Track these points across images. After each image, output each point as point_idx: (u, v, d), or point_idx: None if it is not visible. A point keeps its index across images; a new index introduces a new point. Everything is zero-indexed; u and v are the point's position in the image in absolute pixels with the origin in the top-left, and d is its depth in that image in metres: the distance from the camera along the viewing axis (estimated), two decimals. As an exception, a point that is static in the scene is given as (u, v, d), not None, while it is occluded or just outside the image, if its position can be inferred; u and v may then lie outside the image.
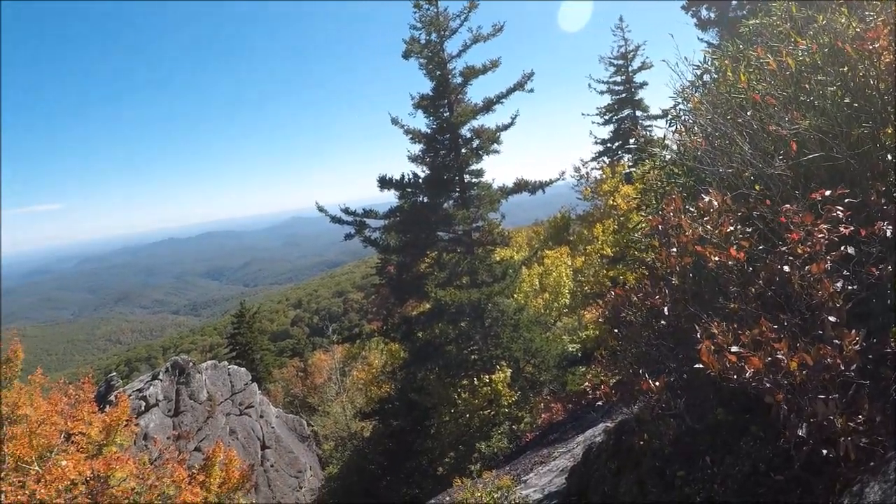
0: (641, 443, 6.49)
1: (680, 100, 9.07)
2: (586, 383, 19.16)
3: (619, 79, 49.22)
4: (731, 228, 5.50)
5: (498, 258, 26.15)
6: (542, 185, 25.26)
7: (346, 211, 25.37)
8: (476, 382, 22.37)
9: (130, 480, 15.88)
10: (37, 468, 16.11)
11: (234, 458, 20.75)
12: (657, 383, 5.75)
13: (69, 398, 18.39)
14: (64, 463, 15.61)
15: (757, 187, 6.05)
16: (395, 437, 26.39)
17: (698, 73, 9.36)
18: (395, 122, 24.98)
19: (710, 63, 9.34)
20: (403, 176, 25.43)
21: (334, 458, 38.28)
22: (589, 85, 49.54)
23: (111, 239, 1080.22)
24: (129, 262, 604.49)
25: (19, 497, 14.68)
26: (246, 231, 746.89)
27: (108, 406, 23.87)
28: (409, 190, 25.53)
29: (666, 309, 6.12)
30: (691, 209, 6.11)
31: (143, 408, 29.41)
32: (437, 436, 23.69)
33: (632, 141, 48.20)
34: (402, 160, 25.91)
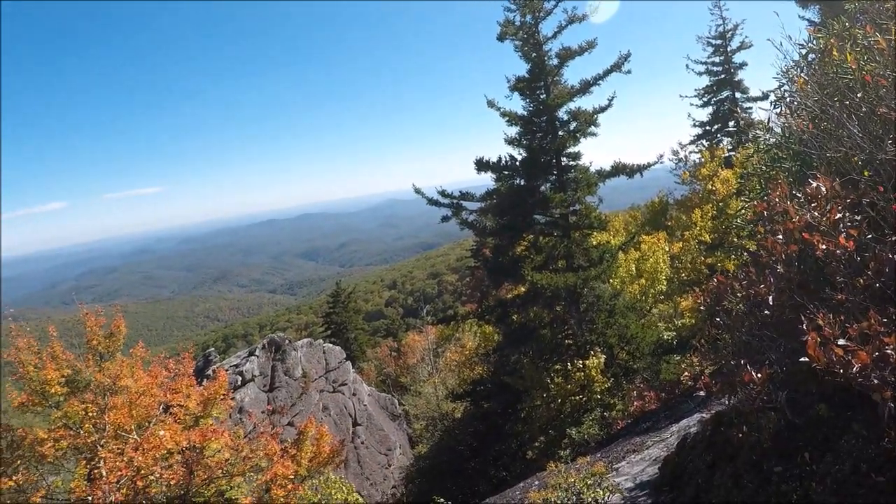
0: (739, 435, 6.30)
1: (784, 80, 8.74)
2: (685, 372, 18.82)
3: (717, 59, 47.55)
4: (840, 216, 5.28)
5: (595, 242, 25.79)
6: (639, 169, 24.80)
7: (443, 193, 25.41)
8: (569, 367, 22.18)
9: (224, 452, 16.29)
10: (135, 437, 16.70)
11: (326, 433, 21.08)
12: (759, 375, 5.58)
13: (169, 371, 18.97)
14: (162, 433, 16.12)
15: (866, 173, 5.79)
16: (485, 420, 26.43)
17: (802, 53, 8.98)
18: (491, 104, 24.83)
19: (814, 42, 8.96)
20: (500, 158, 25.32)
21: (424, 438, 38.62)
22: (686, 65, 48.17)
23: (210, 221, 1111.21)
24: (228, 243, 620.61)
25: (118, 463, 15.24)
26: (343, 212, 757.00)
27: (205, 380, 24.63)
28: (506, 172, 25.40)
29: (770, 298, 5.92)
30: (798, 195, 5.89)
31: (239, 382, 30.19)
32: (527, 420, 23.61)
33: (731, 123, 46.83)
34: (498, 143, 25.79)
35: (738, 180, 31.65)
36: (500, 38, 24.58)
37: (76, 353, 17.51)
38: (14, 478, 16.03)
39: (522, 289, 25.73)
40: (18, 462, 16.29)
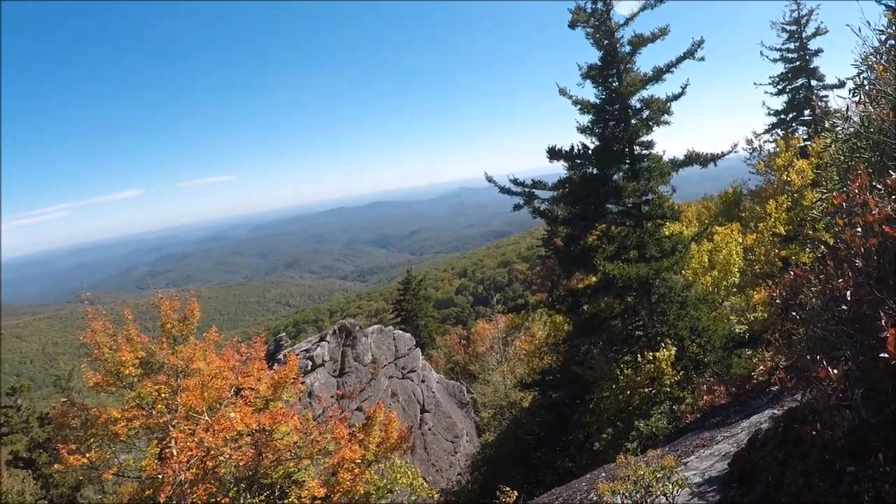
0: (813, 433, 6.12)
1: (863, 67, 8.42)
2: (761, 367, 18.41)
3: (792, 45, 45.91)
4: (924, 208, 5.07)
5: (667, 233, 25.38)
6: (713, 158, 24.30)
7: (515, 182, 25.32)
8: (639, 359, 21.92)
9: (293, 435, 16.52)
10: (206, 418, 17.03)
11: (394, 419, 21.18)
12: (835, 371, 5.40)
13: (241, 355, 19.31)
14: (232, 415, 16.42)
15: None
16: (553, 409, 26.34)
17: (882, 39, 8.63)
18: (562, 92, 24.60)
19: (894, 28, 8.61)
20: (573, 147, 25.10)
21: (491, 426, 38.66)
22: (760, 52, 46.71)
23: (283, 208, 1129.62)
24: (300, 230, 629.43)
25: (188, 443, 15.57)
26: (414, 200, 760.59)
27: (276, 364, 25.05)
28: (578, 161, 25.18)
29: (848, 293, 5.73)
30: (878, 186, 5.67)
31: (309, 367, 30.59)
32: (595, 411, 23.41)
33: (807, 112, 45.48)
34: (570, 131, 25.62)
35: (814, 171, 30.85)
36: (572, 25, 24.33)
37: (150, 335, 17.94)
38: (87, 455, 16.53)
39: (594, 279, 25.50)
40: (92, 440, 16.79)
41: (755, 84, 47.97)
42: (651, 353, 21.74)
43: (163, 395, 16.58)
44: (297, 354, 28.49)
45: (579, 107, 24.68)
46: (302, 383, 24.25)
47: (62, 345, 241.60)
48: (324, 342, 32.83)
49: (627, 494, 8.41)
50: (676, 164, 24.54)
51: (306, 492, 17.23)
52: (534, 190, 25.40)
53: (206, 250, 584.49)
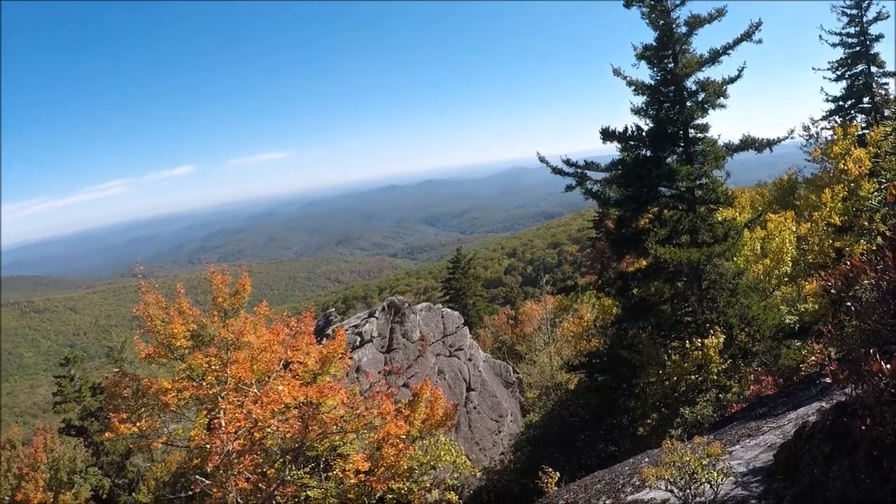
0: (862, 428, 6.00)
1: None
2: (813, 357, 18.12)
3: (852, 30, 44.35)
4: None
5: (720, 218, 25.02)
6: (769, 144, 23.83)
7: (568, 162, 25.13)
8: (687, 345, 21.71)
9: (340, 408, 16.70)
10: (255, 390, 17.30)
11: (440, 396, 21.30)
12: (888, 366, 5.29)
13: (290, 329, 19.53)
14: (280, 388, 16.64)
15: None
16: (599, 393, 26.23)
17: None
18: (616, 72, 24.30)
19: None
20: (626, 128, 24.83)
21: (536, 407, 38.66)
22: (819, 36, 45.37)
23: (335, 185, 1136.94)
24: (351, 207, 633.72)
25: (237, 415, 15.84)
26: (465, 179, 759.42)
27: (325, 339, 25.28)
28: (632, 143, 24.90)
29: (904, 286, 5.59)
30: (939, 177, 5.51)
31: (357, 342, 30.82)
32: (641, 396, 23.27)
33: (866, 100, 44.25)
34: (623, 113, 25.30)
35: (872, 160, 30.10)
36: (627, 4, 24.04)
37: (202, 309, 18.23)
38: (138, 424, 16.91)
39: (644, 262, 25.26)
40: (143, 409, 17.17)
41: (814, 69, 46.76)
42: (699, 340, 21.52)
43: (213, 367, 16.86)
44: (346, 330, 28.70)
45: (633, 88, 24.38)
46: (350, 358, 24.50)
47: (115, 317, 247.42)
48: (372, 318, 33.04)
49: (672, 480, 8.38)
50: (731, 149, 24.12)
51: (350, 465, 17.43)
52: (586, 171, 25.21)
53: (257, 226, 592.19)
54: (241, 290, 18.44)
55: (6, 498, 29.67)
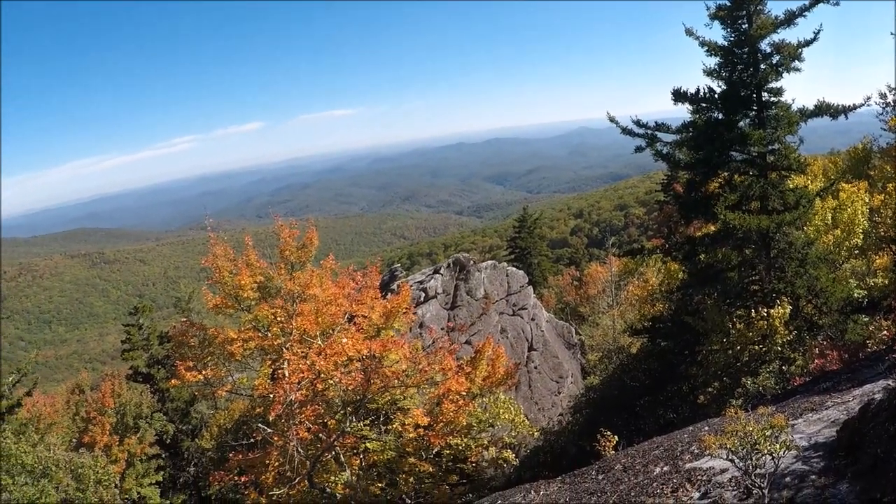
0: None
1: None
2: (884, 332, 17.70)
3: None
4: None
5: (791, 185, 24.38)
6: (844, 111, 23.03)
7: (638, 123, 24.74)
8: (753, 315, 21.36)
9: (402, 363, 16.93)
10: (319, 342, 17.64)
11: (502, 355, 21.43)
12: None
13: (356, 283, 19.81)
14: (344, 340, 16.94)
15: None
16: (660, 358, 26.04)
17: None
18: (689, 32, 23.70)
19: None
20: (698, 90, 24.28)
21: (597, 370, 38.57)
22: (898, -4, 43.50)
23: (402, 142, 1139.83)
24: (418, 164, 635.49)
25: (300, 366, 16.18)
26: (533, 138, 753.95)
27: (389, 294, 25.58)
28: (704, 105, 24.35)
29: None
30: None
31: (422, 298, 31.06)
32: (703, 363, 23.01)
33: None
34: (695, 75, 24.64)
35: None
36: (700, -38, 23.35)
37: (269, 262, 18.57)
38: (203, 372, 17.38)
39: (713, 228, 24.84)
40: (209, 358, 17.64)
41: (892, 34, 44.83)
42: (765, 310, 21.17)
43: (278, 319, 17.23)
44: (411, 285, 28.96)
45: (706, 48, 23.78)
46: (414, 314, 24.74)
47: (183, 269, 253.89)
48: (437, 275, 33.24)
49: (734, 449, 8.32)
50: (805, 114, 23.40)
51: (410, 419, 17.72)
52: (656, 133, 24.78)
53: (325, 181, 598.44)
54: (308, 244, 18.70)
55: (74, 440, 30.80)
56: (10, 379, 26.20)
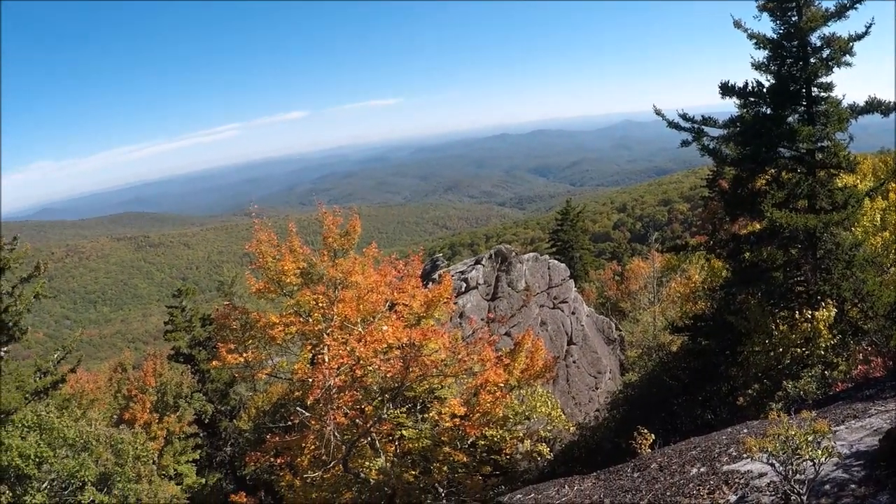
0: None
1: None
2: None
3: None
4: None
5: (840, 184, 23.92)
6: (896, 107, 22.53)
7: (684, 117, 24.41)
8: (797, 316, 21.01)
9: (441, 352, 16.96)
10: (360, 329, 17.73)
11: (541, 348, 21.39)
12: None
13: (398, 272, 19.89)
14: (385, 328, 17.02)
15: None
16: (701, 357, 25.78)
17: None
18: (737, 24, 23.28)
19: None
20: (746, 83, 23.87)
21: (636, 366, 38.34)
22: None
23: (445, 133, 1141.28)
24: (462, 154, 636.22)
25: (340, 351, 16.29)
26: (577, 131, 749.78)
27: (431, 283, 25.61)
28: (752, 99, 23.93)
29: None
30: None
31: (463, 288, 31.07)
32: (743, 364, 22.66)
33: None
34: (743, 68, 24.18)
35: None
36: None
37: (312, 248, 18.71)
38: (244, 355, 17.59)
39: (758, 226, 24.48)
40: (250, 341, 17.85)
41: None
42: (809, 312, 20.80)
43: (320, 305, 17.35)
44: (452, 275, 28.94)
45: (754, 41, 23.34)
46: (454, 304, 24.80)
47: (226, 253, 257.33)
48: (479, 265, 33.21)
49: (774, 453, 8.21)
50: (856, 111, 22.87)
51: (447, 409, 17.77)
52: (703, 127, 24.42)
53: (368, 170, 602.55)
54: (351, 232, 18.81)
55: (115, 416, 31.38)
56: (55, 356, 26.67)
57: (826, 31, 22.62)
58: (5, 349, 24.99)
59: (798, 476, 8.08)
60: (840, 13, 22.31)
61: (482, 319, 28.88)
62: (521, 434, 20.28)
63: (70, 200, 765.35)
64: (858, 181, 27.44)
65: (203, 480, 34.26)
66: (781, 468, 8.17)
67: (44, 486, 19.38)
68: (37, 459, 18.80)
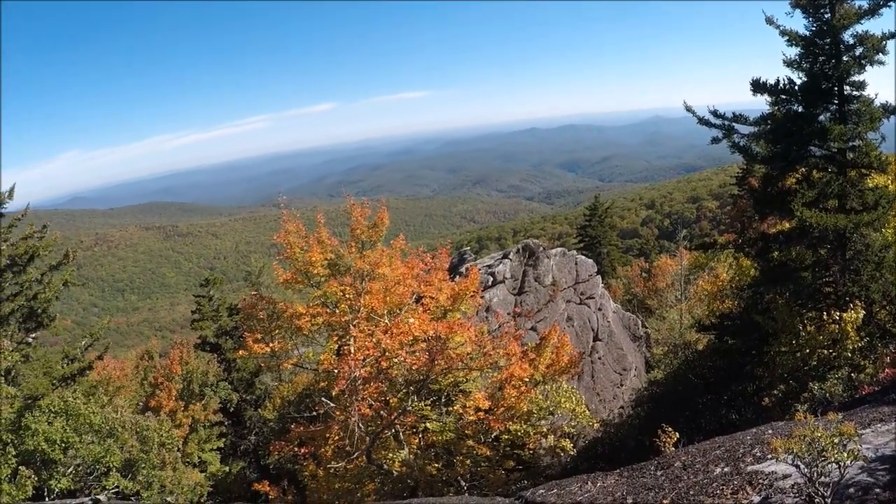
0: None
1: None
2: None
3: None
4: None
5: (871, 185, 23.64)
6: (930, 107, 22.22)
7: (715, 113, 24.24)
8: (824, 317, 20.83)
9: (467, 346, 17.06)
10: (386, 321, 17.84)
11: (567, 343, 21.42)
12: None
13: (425, 265, 19.97)
14: (411, 320, 17.13)
15: None
16: (727, 356, 25.62)
17: None
18: (769, 21, 23.03)
19: None
20: (778, 80, 23.65)
21: (662, 364, 38.14)
22: None
23: (474, 126, 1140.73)
24: (490, 148, 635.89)
25: (366, 343, 16.40)
26: (607, 126, 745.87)
27: (458, 276, 25.67)
28: (783, 97, 23.72)
29: None
30: None
31: (490, 282, 31.10)
32: (769, 364, 22.51)
33: None
34: (775, 64, 23.93)
35: None
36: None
37: (340, 240, 18.84)
38: (271, 344, 17.77)
39: (787, 225, 24.28)
40: (276, 331, 18.02)
41: None
42: (837, 313, 20.61)
43: (347, 296, 17.48)
44: (479, 269, 28.97)
45: (787, 38, 23.07)
46: (481, 297, 24.82)
47: (254, 244, 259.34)
48: (506, 259, 33.19)
49: (799, 455, 8.18)
50: (888, 110, 22.55)
51: (471, 402, 17.84)
52: (733, 124, 24.24)
53: (397, 163, 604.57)
54: (378, 224, 18.92)
55: (141, 403, 31.73)
56: (83, 343, 27.01)
57: (859, 28, 22.33)
58: (33, 335, 25.40)
59: (822, 478, 8.05)
60: (873, 11, 22.04)
61: (508, 314, 28.90)
62: (545, 429, 20.29)
63: (100, 190, 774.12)
64: (890, 182, 27.11)
65: (227, 468, 34.53)
66: (806, 470, 8.14)
67: (69, 471, 19.65)
68: (63, 444, 19.06)
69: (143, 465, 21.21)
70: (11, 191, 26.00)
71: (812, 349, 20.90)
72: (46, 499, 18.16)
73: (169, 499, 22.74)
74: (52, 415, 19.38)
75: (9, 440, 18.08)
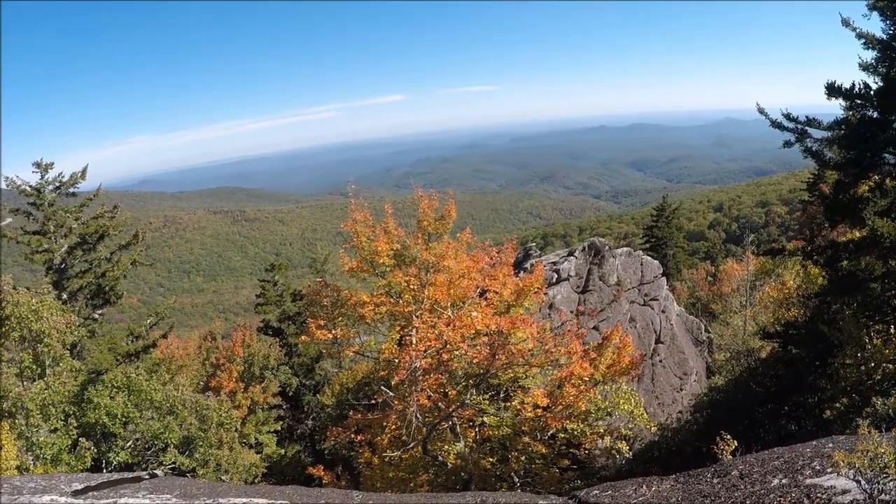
0: None
1: None
2: None
3: None
4: None
5: (946, 194, 23.01)
6: None
7: (788, 117, 23.75)
8: (891, 331, 20.38)
9: (529, 342, 17.08)
10: (449, 313, 17.98)
11: (629, 344, 21.31)
12: None
13: (490, 259, 20.05)
14: (474, 314, 17.24)
15: None
16: (790, 366, 25.16)
17: None
18: (845, 23, 22.42)
19: None
20: (853, 85, 23.07)
21: (723, 370, 37.61)
22: None
23: (542, 122, 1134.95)
24: (558, 144, 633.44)
25: (428, 334, 16.55)
26: (676, 126, 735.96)
27: (522, 272, 25.73)
28: (858, 101, 23.15)
29: None
30: None
31: (554, 279, 31.06)
32: (833, 376, 22.08)
33: None
34: (850, 68, 23.36)
35: None
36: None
37: (406, 230, 19.02)
38: (333, 331, 18.05)
39: (858, 233, 23.74)
40: (339, 318, 18.29)
41: None
42: (905, 326, 20.18)
43: (411, 287, 17.67)
44: (544, 265, 28.94)
45: (864, 41, 22.40)
46: (544, 294, 24.85)
47: (320, 231, 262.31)
48: (571, 257, 33.08)
49: (862, 470, 8.08)
50: (967, 119, 21.95)
51: (530, 399, 17.87)
52: (806, 128, 23.73)
53: (464, 156, 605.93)
54: (445, 216, 19.03)
55: (201, 383, 32.49)
56: (148, 321, 27.83)
57: (941, 32, 21.73)
58: (100, 312, 26.24)
59: (883, 496, 7.95)
60: (954, 15, 21.41)
61: (571, 312, 28.85)
62: (602, 430, 20.22)
63: (169, 173, 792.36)
64: (966, 194, 26.38)
65: (282, 451, 35.19)
66: (867, 486, 8.03)
67: (128, 444, 20.28)
68: (123, 419, 19.68)
69: (201, 444, 21.79)
70: (84, 171, 26.87)
71: (877, 363, 20.46)
72: (104, 471, 18.70)
73: (224, 477, 23.33)
74: (114, 389, 20.02)
75: (71, 412, 18.73)
